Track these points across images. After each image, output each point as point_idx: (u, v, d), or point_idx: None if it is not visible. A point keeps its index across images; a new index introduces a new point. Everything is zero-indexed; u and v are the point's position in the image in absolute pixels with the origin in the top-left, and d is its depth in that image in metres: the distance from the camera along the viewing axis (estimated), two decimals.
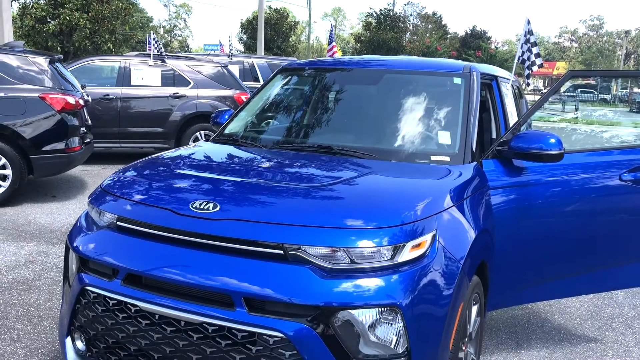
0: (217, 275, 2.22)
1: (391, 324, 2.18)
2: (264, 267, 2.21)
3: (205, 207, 2.38)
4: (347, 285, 2.16)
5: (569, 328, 3.99)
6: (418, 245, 2.31)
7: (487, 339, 3.71)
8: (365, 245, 2.21)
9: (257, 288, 2.16)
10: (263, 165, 3.07)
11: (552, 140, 3.03)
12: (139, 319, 2.34)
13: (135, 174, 2.87)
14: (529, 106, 3.67)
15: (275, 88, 3.98)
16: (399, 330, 2.18)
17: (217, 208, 2.37)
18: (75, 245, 2.62)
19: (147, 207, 2.51)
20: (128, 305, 2.36)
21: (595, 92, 43.37)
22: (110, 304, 2.41)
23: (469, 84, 3.45)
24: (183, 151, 3.34)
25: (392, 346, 2.18)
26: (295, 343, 2.10)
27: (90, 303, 2.47)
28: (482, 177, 3.05)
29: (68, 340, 2.63)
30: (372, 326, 2.16)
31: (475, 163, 3.07)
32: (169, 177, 2.81)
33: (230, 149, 3.38)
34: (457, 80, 3.50)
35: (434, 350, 2.30)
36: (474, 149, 3.16)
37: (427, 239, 2.34)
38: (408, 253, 2.27)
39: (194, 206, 2.41)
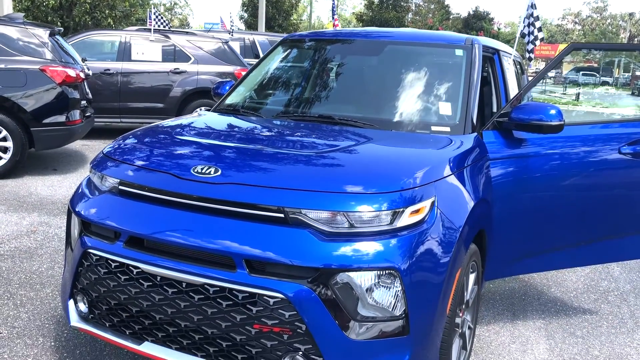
0: (219, 237, 2.25)
1: (389, 287, 2.21)
2: (265, 230, 2.23)
3: (207, 172, 2.40)
4: (346, 249, 2.19)
5: (565, 300, 4.03)
6: (417, 211, 2.33)
7: (484, 309, 3.76)
8: (365, 209, 2.23)
9: (258, 250, 2.19)
10: (264, 133, 3.08)
11: (553, 112, 3.04)
12: (140, 280, 2.37)
13: (137, 140, 2.89)
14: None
15: (276, 59, 3.97)
16: (397, 294, 2.21)
17: (219, 172, 2.39)
18: (77, 209, 2.64)
19: (149, 172, 2.53)
20: (130, 267, 2.39)
21: (597, 75, 43.16)
22: (113, 267, 2.44)
23: (471, 55, 3.44)
24: (184, 120, 3.36)
25: (390, 309, 2.21)
26: (294, 304, 2.14)
27: (93, 266, 2.50)
28: (482, 148, 3.06)
29: (70, 302, 2.67)
30: (371, 289, 2.19)
31: (475, 134, 3.08)
32: (170, 143, 2.83)
33: (231, 119, 3.39)
34: (459, 52, 3.50)
35: (431, 314, 2.34)
36: (474, 120, 3.17)
37: (426, 205, 2.37)
38: (407, 218, 2.29)
39: (195, 170, 2.43)
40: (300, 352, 2.18)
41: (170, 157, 2.64)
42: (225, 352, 2.27)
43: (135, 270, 2.38)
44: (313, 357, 2.18)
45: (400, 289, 2.21)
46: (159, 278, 2.34)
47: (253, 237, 2.22)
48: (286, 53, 4.04)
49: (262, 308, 2.17)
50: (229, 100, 3.72)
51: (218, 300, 2.23)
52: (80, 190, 2.80)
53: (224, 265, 2.24)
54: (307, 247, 2.18)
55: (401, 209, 2.28)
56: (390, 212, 2.26)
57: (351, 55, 3.80)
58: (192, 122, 3.26)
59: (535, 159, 3.27)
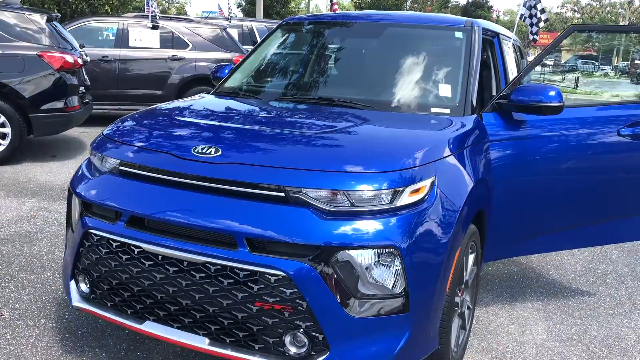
0: (220, 217, 2.26)
1: (389, 266, 2.22)
2: (265, 209, 2.24)
3: (207, 152, 2.41)
4: (346, 227, 2.19)
5: (563, 283, 4.06)
6: (417, 191, 2.34)
7: (483, 291, 3.79)
8: (365, 189, 2.24)
9: (259, 229, 2.20)
10: (263, 115, 3.09)
11: (552, 93, 3.04)
12: (141, 260, 2.38)
13: (136, 122, 2.89)
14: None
15: (275, 43, 3.96)
16: (397, 272, 2.23)
17: (219, 152, 2.39)
18: (78, 190, 2.65)
19: (150, 152, 2.53)
20: (131, 247, 2.40)
21: (596, 63, 43.06)
22: (114, 246, 2.45)
23: (471, 38, 3.44)
24: (183, 102, 3.36)
25: (390, 287, 2.23)
26: (295, 281, 2.15)
27: (94, 246, 2.51)
28: (482, 130, 3.07)
29: (72, 283, 2.69)
30: (371, 267, 2.20)
31: (475, 116, 3.09)
32: (170, 124, 2.83)
33: (230, 101, 3.39)
34: (458, 34, 3.49)
35: (430, 293, 2.36)
36: (474, 102, 3.17)
37: (426, 184, 2.38)
38: (407, 198, 2.30)
39: (195, 150, 2.43)
40: (301, 329, 2.19)
41: (170, 137, 2.64)
42: (227, 330, 2.28)
43: (136, 250, 2.39)
44: (314, 334, 2.19)
45: (400, 267, 2.22)
46: (160, 257, 2.35)
47: (254, 216, 2.23)
48: (285, 36, 4.03)
49: (263, 286, 2.19)
50: (228, 83, 3.72)
51: (219, 278, 2.24)
52: (80, 172, 2.80)
53: (225, 244, 2.25)
54: (308, 226, 2.19)
55: (401, 188, 2.28)
56: (391, 192, 2.27)
57: (351, 38, 3.79)
58: (191, 105, 3.26)
59: (534, 141, 3.28)
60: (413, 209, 2.30)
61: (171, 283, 2.33)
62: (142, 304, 2.44)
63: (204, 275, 2.27)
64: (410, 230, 2.25)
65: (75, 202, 2.69)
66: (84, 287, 2.64)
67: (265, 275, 2.18)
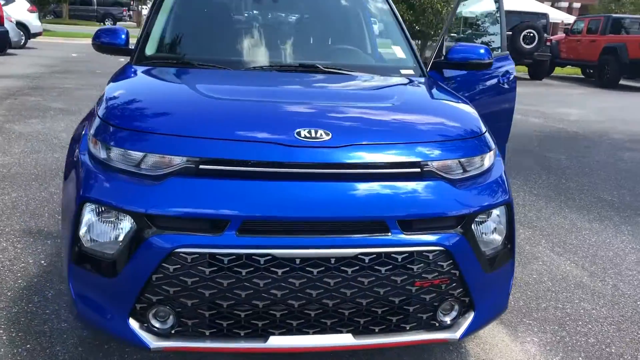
0: (365, 203, 2.10)
1: (501, 221, 2.41)
2: (407, 187, 2.17)
3: (318, 135, 2.16)
4: (474, 193, 2.29)
5: None
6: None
7: None
8: (471, 154, 2.35)
9: (409, 208, 2.13)
10: (289, 87, 2.86)
11: (482, 51, 3.50)
12: (271, 269, 2.04)
13: (165, 110, 2.35)
14: None
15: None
16: (505, 224, 2.43)
17: (329, 136, 2.17)
18: (131, 205, 2.04)
19: (241, 143, 2.12)
20: (254, 257, 2.03)
21: None
22: (226, 262, 2.02)
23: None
24: (177, 78, 2.88)
25: (503, 238, 2.41)
26: (453, 253, 2.17)
27: (188, 267, 2.02)
28: None
29: (132, 322, 2.11)
30: (495, 224, 2.36)
31: (434, 74, 3.37)
32: (213, 106, 2.40)
33: (204, 72, 2.96)
34: None
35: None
36: (420, 61, 3.43)
37: (494, 147, 2.58)
38: (490, 160, 2.49)
39: (302, 135, 2.15)
40: (453, 297, 2.25)
41: (248, 123, 2.24)
42: (379, 319, 2.17)
43: (262, 259, 2.03)
44: (463, 299, 2.27)
45: (506, 218, 2.43)
46: (298, 261, 2.05)
47: (400, 197, 2.15)
48: None
49: (422, 264, 2.15)
50: (150, 51, 3.15)
51: (375, 267, 2.10)
52: (109, 183, 2.14)
53: (375, 230, 2.11)
54: (450, 197, 2.22)
55: (488, 153, 2.46)
56: (485, 156, 2.42)
57: None
58: (192, 80, 2.79)
59: (458, 89, 3.77)
60: (498, 167, 2.51)
61: (315, 286, 2.07)
62: (267, 319, 2.10)
63: (357, 268, 2.09)
64: (508, 186, 2.47)
65: (124, 221, 2.08)
66: (158, 323, 2.11)
67: (424, 253, 2.14)
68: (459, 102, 2.76)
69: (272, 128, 2.21)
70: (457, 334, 2.27)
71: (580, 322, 3.06)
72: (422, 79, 3.17)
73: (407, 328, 2.22)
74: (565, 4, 40.14)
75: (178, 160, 2.09)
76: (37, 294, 3.02)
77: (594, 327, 3.02)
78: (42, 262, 3.40)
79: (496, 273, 2.38)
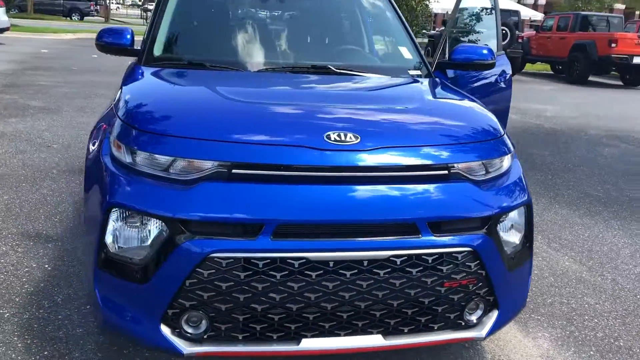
0: (396, 206, 2.12)
1: (522, 219, 2.46)
2: (436, 189, 2.19)
3: (347, 139, 2.17)
4: (500, 193, 2.34)
5: None
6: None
7: None
8: (493, 156, 2.39)
9: (439, 211, 2.16)
10: (308, 90, 2.87)
11: (485, 52, 3.55)
12: (305, 272, 2.05)
13: (190, 114, 2.34)
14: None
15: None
16: (525, 223, 2.48)
17: (358, 139, 2.18)
18: (165, 210, 2.03)
19: (271, 147, 2.12)
20: (288, 260, 2.03)
21: None
22: (261, 265, 2.02)
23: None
24: (195, 80, 2.85)
25: (523, 236, 2.46)
26: (480, 253, 2.21)
27: (223, 272, 2.01)
28: None
29: (164, 328, 2.09)
30: (515, 223, 2.41)
31: (439, 74, 3.40)
32: (244, 111, 2.39)
33: (219, 74, 2.96)
34: None
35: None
36: (426, 61, 3.47)
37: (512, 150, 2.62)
38: (509, 159, 2.53)
39: (332, 139, 2.15)
40: (479, 296, 2.29)
41: (278, 127, 2.24)
42: (408, 320, 2.20)
43: (296, 263, 2.04)
44: (488, 297, 2.31)
45: (526, 218, 2.48)
46: (332, 264, 2.06)
47: (429, 199, 2.18)
48: None
49: (451, 265, 2.18)
50: (160, 52, 3.11)
51: (407, 269, 2.13)
52: (134, 188, 2.11)
53: (406, 232, 2.13)
54: (477, 198, 2.25)
55: (508, 154, 2.50)
56: (505, 157, 2.47)
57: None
58: (213, 82, 2.75)
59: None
60: (517, 168, 2.56)
61: (348, 288, 2.09)
62: (300, 321, 2.11)
63: (389, 270, 2.11)
64: (527, 187, 2.52)
65: (152, 225, 2.06)
66: (190, 328, 2.10)
67: (453, 254, 2.18)
68: (474, 104, 2.79)
69: (302, 131, 2.21)
70: (483, 332, 2.31)
71: (586, 317, 3.15)
72: (434, 80, 3.20)
73: (435, 328, 2.25)
74: (530, 1, 40.83)
75: (209, 165, 2.08)
76: (46, 299, 2.97)
77: (600, 321, 3.11)
78: (46, 266, 3.33)
79: (517, 271, 2.43)
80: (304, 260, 2.04)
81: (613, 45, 17.39)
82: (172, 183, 2.10)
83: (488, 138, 2.43)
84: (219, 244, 2.01)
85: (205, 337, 2.10)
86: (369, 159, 2.14)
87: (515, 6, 22.20)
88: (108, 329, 2.24)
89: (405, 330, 2.22)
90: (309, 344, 2.14)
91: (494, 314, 2.35)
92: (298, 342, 2.13)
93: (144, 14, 45.69)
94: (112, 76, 12.31)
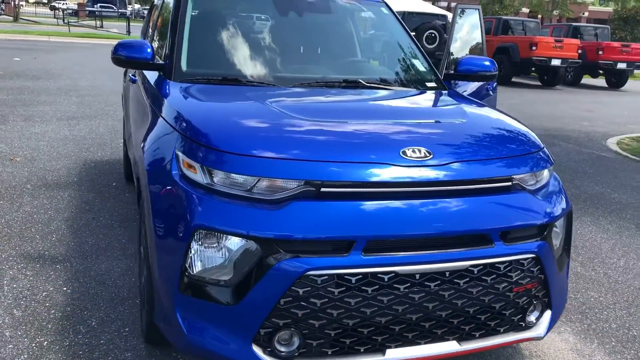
0: (473, 218, 2.23)
1: (564, 225, 2.63)
2: (503, 200, 2.33)
3: (422, 155, 2.26)
4: (549, 203, 2.50)
5: None
6: None
7: None
8: (542, 167, 2.55)
9: (509, 221, 2.30)
10: (357, 106, 2.95)
11: (487, 63, 3.74)
12: (394, 285, 2.12)
13: (269, 132, 2.36)
14: None
15: (212, 13, 3.39)
16: (567, 228, 2.65)
17: (432, 154, 2.27)
18: (257, 230, 2.04)
19: (356, 165, 2.17)
20: (378, 275, 2.10)
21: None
22: (353, 281, 2.08)
23: (391, 10, 3.80)
24: (253, 97, 2.79)
25: (565, 240, 2.64)
26: (542, 258, 2.37)
27: (318, 289, 2.05)
28: None
29: (257, 349, 2.10)
30: (561, 229, 2.58)
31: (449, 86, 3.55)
32: (321, 129, 2.45)
33: (263, 90, 2.96)
34: (384, 10, 3.79)
35: None
36: (439, 74, 3.62)
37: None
38: (551, 170, 2.70)
39: (408, 155, 2.24)
40: (538, 298, 2.44)
41: (357, 145, 2.29)
42: (481, 325, 2.32)
43: (386, 277, 2.11)
44: (544, 299, 2.47)
45: (567, 223, 2.66)
46: (417, 276, 2.15)
47: (499, 210, 2.31)
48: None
49: (519, 271, 2.32)
50: (190, 68, 3.06)
51: (482, 277, 2.25)
52: (227, 209, 2.10)
53: (481, 242, 2.25)
54: (536, 207, 2.41)
55: (551, 166, 2.66)
56: (549, 168, 2.64)
57: (298, 11, 3.58)
58: (269, 99, 2.73)
59: None
60: (556, 178, 2.73)
61: (432, 299, 2.18)
62: (387, 334, 2.18)
63: (468, 279, 2.22)
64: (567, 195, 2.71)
65: (241, 247, 2.06)
66: (282, 347, 2.12)
67: (520, 260, 2.32)
68: (508, 117, 2.95)
69: (380, 149, 2.27)
70: (542, 331, 2.47)
71: (596, 310, 3.40)
72: (454, 91, 3.35)
73: (501, 330, 2.39)
74: (444, 3, 42.37)
75: (295, 184, 2.11)
76: (80, 323, 2.86)
77: (610, 313, 3.37)
78: (64, 288, 3.20)
79: (563, 272, 2.61)
80: (393, 274, 2.11)
81: (534, 48, 18.46)
82: (257, 203, 2.11)
83: (535, 150, 2.59)
84: (314, 262, 2.04)
85: (297, 354, 2.13)
86: (445, 173, 2.24)
87: (425, 7, 22.68)
88: (192, 351, 2.21)
89: (477, 335, 2.34)
90: (394, 354, 2.21)
91: (548, 314, 2.51)
92: (383, 353, 2.20)
93: (59, 14, 43.62)
94: (47, 81, 11.76)
